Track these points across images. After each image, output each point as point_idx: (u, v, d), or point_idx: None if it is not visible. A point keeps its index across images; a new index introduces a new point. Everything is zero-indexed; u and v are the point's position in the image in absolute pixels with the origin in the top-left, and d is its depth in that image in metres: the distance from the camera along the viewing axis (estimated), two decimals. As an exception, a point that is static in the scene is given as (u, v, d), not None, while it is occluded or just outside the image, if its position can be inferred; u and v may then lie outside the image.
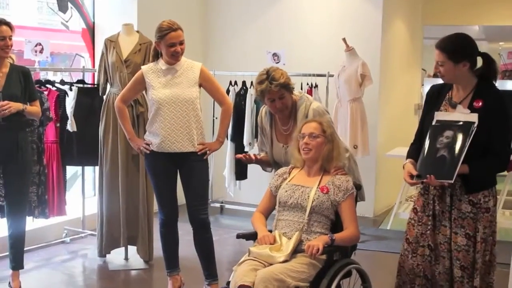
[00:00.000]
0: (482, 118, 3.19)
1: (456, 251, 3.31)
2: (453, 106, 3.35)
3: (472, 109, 3.26)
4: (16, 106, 4.32)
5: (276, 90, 3.81)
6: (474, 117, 3.21)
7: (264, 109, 4.16)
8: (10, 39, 4.40)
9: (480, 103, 3.26)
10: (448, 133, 3.26)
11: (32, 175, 4.93)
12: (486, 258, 3.32)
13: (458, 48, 3.30)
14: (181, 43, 4.27)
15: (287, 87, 3.88)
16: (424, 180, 3.26)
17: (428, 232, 3.40)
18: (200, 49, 8.02)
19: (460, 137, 3.20)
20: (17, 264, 4.64)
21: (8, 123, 4.31)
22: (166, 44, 4.23)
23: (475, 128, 3.17)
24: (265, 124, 4.11)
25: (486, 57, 3.36)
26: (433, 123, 3.35)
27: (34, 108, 4.54)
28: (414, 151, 3.45)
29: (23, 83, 4.47)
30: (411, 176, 3.31)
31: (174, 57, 4.28)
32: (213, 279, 4.45)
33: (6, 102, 4.27)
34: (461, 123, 3.23)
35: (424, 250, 3.41)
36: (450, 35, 3.36)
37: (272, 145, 4.09)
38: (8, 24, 4.40)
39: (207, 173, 4.49)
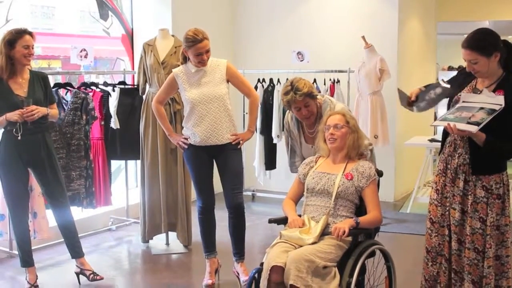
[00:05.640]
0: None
1: (471, 235, 3.24)
2: (477, 93, 3.21)
3: None
4: (42, 110, 4.25)
5: (300, 99, 3.80)
6: (500, 100, 3.06)
7: (289, 114, 4.13)
8: (33, 47, 4.28)
9: (501, 93, 3.13)
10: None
11: (60, 170, 4.66)
12: (501, 251, 3.24)
13: (486, 42, 3.16)
14: (207, 51, 4.25)
15: (311, 95, 3.84)
16: (445, 125, 3.15)
17: (447, 213, 3.35)
18: (231, 49, 8.02)
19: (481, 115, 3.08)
20: (73, 253, 4.61)
21: (35, 126, 4.26)
22: (194, 54, 4.23)
23: (501, 110, 3.03)
24: (293, 129, 4.11)
25: (507, 44, 3.22)
26: (460, 104, 3.21)
27: (54, 111, 4.47)
28: None
29: (43, 88, 4.38)
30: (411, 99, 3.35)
31: (201, 64, 4.27)
32: (241, 257, 4.49)
33: (35, 106, 4.18)
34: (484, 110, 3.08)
35: (444, 230, 3.36)
36: (473, 33, 3.21)
37: (301, 146, 4.09)
38: (31, 33, 4.27)
39: (241, 160, 4.46)
